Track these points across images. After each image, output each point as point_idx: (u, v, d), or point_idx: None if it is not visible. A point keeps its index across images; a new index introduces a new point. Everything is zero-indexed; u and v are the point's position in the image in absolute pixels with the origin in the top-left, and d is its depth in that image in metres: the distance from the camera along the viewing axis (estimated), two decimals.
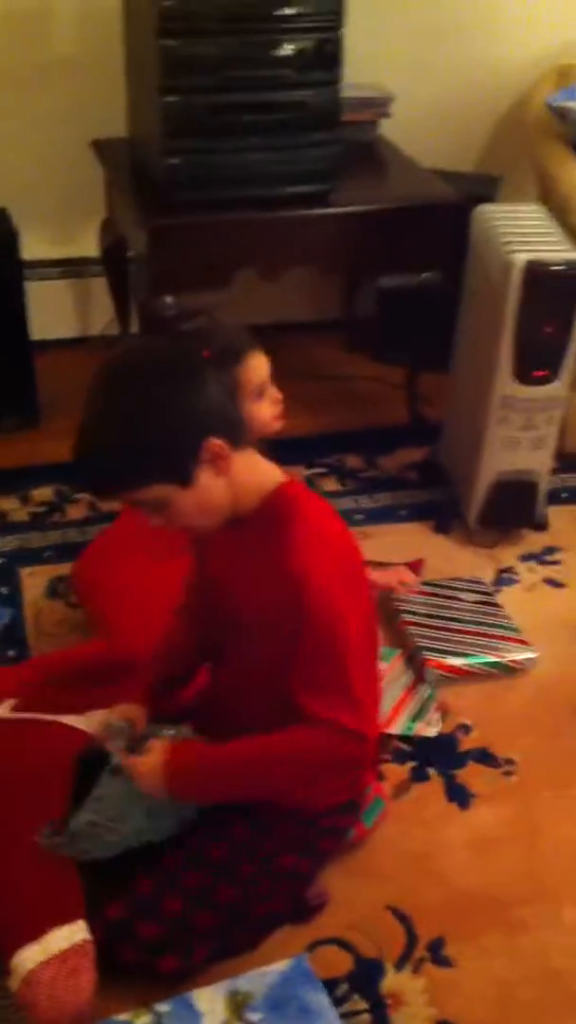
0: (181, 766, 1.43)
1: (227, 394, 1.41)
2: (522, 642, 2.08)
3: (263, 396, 1.82)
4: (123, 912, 1.43)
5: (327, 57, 2.27)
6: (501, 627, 2.12)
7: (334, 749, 1.39)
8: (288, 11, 2.21)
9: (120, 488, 1.36)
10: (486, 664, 2.04)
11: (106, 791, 1.49)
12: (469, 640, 2.08)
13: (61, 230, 2.86)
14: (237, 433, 1.37)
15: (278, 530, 1.38)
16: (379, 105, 2.72)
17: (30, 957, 1.35)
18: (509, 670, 2.05)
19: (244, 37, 2.22)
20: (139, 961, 1.40)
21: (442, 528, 2.42)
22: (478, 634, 2.09)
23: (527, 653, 2.06)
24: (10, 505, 2.43)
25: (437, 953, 1.57)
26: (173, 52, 2.18)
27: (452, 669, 2.03)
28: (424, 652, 2.04)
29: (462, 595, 2.20)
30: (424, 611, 2.15)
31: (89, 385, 1.35)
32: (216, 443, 1.33)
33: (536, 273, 2.08)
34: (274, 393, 1.84)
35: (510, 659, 2.05)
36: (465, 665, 2.03)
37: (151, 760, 1.44)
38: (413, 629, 2.11)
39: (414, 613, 2.14)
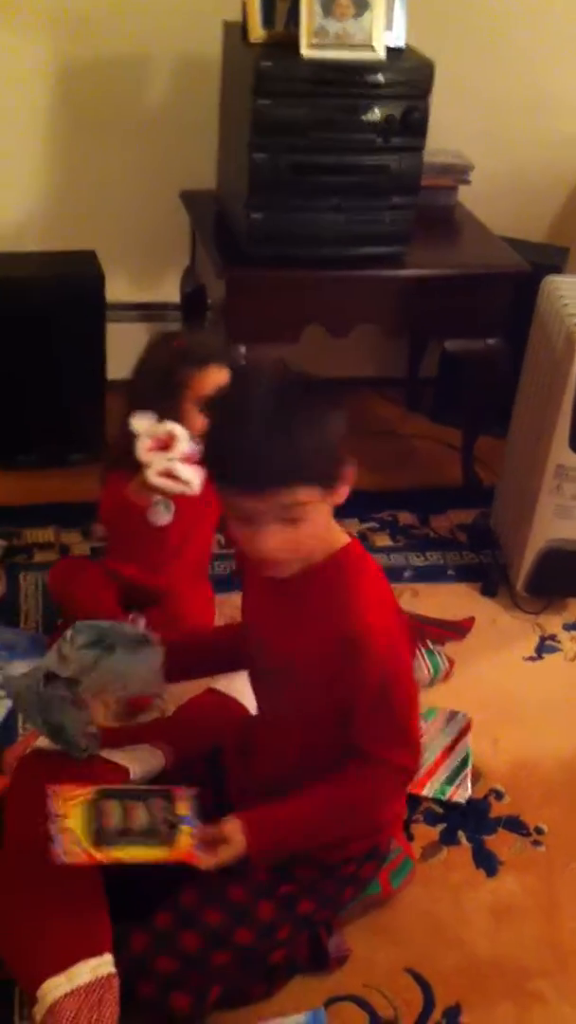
0: (260, 843, 1.47)
1: None
2: None
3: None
4: (145, 945, 1.46)
5: (413, 124, 2.32)
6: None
7: (381, 782, 1.49)
8: (379, 78, 2.26)
9: (283, 482, 1.32)
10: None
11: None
12: None
13: (145, 275, 2.94)
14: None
15: (343, 586, 1.43)
16: (459, 172, 2.77)
17: (56, 987, 1.38)
18: None
19: (335, 101, 2.27)
20: (154, 997, 1.42)
21: (489, 591, 2.44)
22: None
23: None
24: (72, 539, 2.51)
25: (453, 1020, 1.59)
26: (266, 111, 2.25)
27: None
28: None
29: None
30: None
31: (237, 393, 1.39)
32: (352, 468, 1.38)
33: None
34: None
35: None
36: None
37: (232, 849, 1.46)
38: None
39: None
